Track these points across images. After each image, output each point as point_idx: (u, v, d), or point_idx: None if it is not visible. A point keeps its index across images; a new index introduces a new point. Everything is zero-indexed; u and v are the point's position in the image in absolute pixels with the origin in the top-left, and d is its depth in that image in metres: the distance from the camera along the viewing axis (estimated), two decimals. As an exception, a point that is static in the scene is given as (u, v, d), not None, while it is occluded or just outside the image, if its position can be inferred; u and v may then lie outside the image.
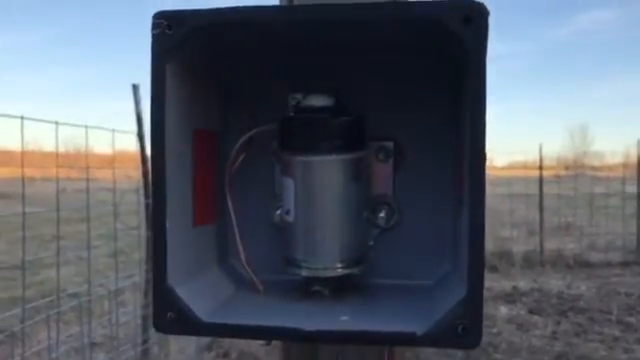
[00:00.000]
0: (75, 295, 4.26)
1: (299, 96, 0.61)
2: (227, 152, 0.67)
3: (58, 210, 3.40)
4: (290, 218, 0.62)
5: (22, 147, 2.62)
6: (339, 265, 0.61)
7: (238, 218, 0.64)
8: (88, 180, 3.94)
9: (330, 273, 0.61)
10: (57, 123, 2.81)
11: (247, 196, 0.69)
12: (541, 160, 8.31)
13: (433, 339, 0.53)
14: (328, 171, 0.61)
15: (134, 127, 3.59)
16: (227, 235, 0.68)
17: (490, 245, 7.75)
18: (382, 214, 0.67)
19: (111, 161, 4.26)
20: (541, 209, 8.15)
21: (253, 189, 0.70)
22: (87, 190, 3.89)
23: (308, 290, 0.64)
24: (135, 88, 3.35)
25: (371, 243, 0.66)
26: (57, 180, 3.90)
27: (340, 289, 0.64)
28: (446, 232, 0.66)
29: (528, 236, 8.16)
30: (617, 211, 8.59)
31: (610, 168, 13.60)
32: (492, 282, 6.63)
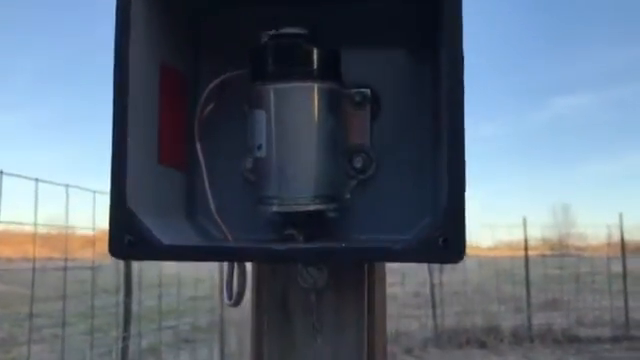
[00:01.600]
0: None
1: (271, 32, 0.59)
2: (198, 99, 0.64)
3: (33, 287, 3.32)
4: (262, 153, 0.59)
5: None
6: (312, 200, 0.57)
7: (209, 170, 0.61)
8: (67, 260, 3.88)
9: (303, 208, 0.57)
10: (37, 180, 2.79)
11: (218, 148, 0.65)
12: (526, 237, 8.32)
13: (412, 253, 0.50)
14: (302, 99, 0.58)
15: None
16: (196, 189, 0.65)
17: (478, 320, 7.62)
18: (359, 164, 0.63)
19: (92, 241, 4.22)
20: (527, 284, 8.08)
21: (224, 141, 0.66)
22: (65, 268, 3.82)
23: (281, 234, 0.60)
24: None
25: (348, 196, 0.63)
26: (34, 259, 3.84)
27: (314, 236, 0.60)
28: (426, 183, 0.63)
29: (516, 312, 8.03)
30: (603, 288, 8.54)
31: (594, 249, 13.63)
32: (480, 358, 6.46)
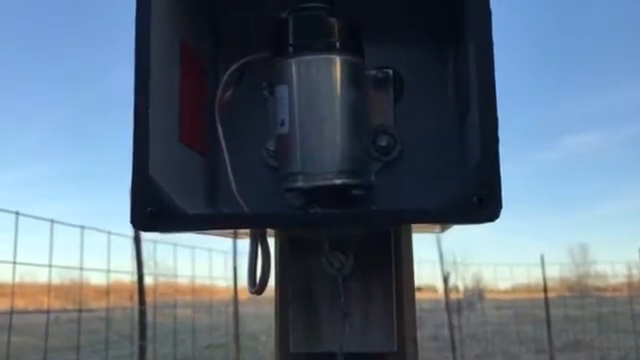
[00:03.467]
0: None
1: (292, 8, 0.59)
2: (218, 84, 0.63)
3: (46, 339, 3.30)
4: (285, 129, 0.57)
5: (15, 244, 2.59)
6: (338, 175, 0.56)
7: (230, 154, 0.61)
8: (81, 309, 3.86)
9: (328, 182, 0.55)
10: (52, 221, 2.80)
11: (238, 134, 0.64)
12: (544, 273, 8.19)
13: (446, 214, 0.48)
14: (324, 71, 0.57)
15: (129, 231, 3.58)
16: (217, 175, 0.63)
17: (499, 362, 7.43)
18: (384, 142, 0.62)
19: (106, 292, 4.21)
20: (549, 322, 7.90)
21: (244, 128, 0.66)
22: (78, 319, 3.80)
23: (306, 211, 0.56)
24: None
25: (372, 178, 0.61)
26: (48, 310, 3.83)
27: None
28: (451, 167, 0.61)
29: (537, 353, 7.83)
30: (627, 327, 8.34)
31: (614, 288, 13.41)
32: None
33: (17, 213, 2.64)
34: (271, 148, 0.64)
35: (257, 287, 0.60)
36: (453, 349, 7.50)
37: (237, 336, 5.51)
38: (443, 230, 0.64)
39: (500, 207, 0.47)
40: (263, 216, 0.53)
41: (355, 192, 0.57)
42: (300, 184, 0.56)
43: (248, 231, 0.59)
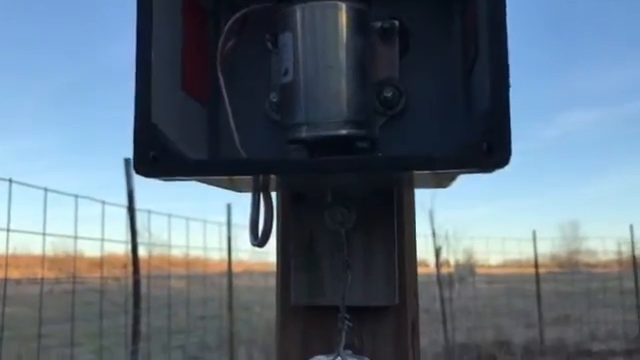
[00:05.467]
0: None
1: None
2: (220, 34, 0.61)
3: (41, 309, 3.31)
4: (289, 78, 0.56)
5: (9, 212, 2.58)
6: (343, 125, 0.55)
7: (232, 106, 0.60)
8: (74, 279, 3.87)
9: (333, 132, 0.55)
10: (46, 189, 2.79)
11: (240, 87, 0.63)
12: (535, 249, 8.26)
13: (454, 161, 0.47)
14: (329, 18, 0.56)
15: (124, 200, 3.58)
16: (219, 127, 0.63)
17: (489, 335, 7.53)
18: (389, 93, 0.60)
19: (100, 264, 4.22)
20: (539, 297, 8.00)
21: (246, 80, 0.64)
22: (73, 290, 3.80)
23: None
24: (127, 162, 3.37)
25: (377, 131, 0.60)
26: (42, 279, 3.84)
27: None
28: (458, 120, 0.60)
29: (527, 327, 7.94)
30: (615, 303, 8.47)
31: (604, 265, 13.56)
32: (493, 373, 6.37)
33: (10, 181, 2.62)
34: (274, 100, 0.62)
35: (259, 239, 0.60)
36: (444, 322, 7.59)
37: (231, 307, 5.55)
38: (448, 183, 0.64)
39: (510, 154, 0.47)
40: (266, 162, 0.52)
41: (360, 144, 0.56)
42: (304, 135, 0.55)
43: (251, 184, 0.59)
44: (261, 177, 0.57)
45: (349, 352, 0.58)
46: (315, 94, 0.55)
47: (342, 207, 0.62)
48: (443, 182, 0.63)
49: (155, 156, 0.50)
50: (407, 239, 0.65)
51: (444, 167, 0.48)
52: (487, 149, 0.46)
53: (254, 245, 0.60)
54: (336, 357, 0.56)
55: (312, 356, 0.60)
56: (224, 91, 0.59)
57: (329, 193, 0.61)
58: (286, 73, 0.57)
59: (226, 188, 0.63)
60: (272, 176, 0.56)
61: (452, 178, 0.59)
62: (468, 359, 7.10)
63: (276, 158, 0.52)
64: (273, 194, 0.63)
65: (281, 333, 0.66)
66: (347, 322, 0.59)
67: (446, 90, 0.61)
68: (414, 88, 0.61)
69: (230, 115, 0.59)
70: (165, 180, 0.53)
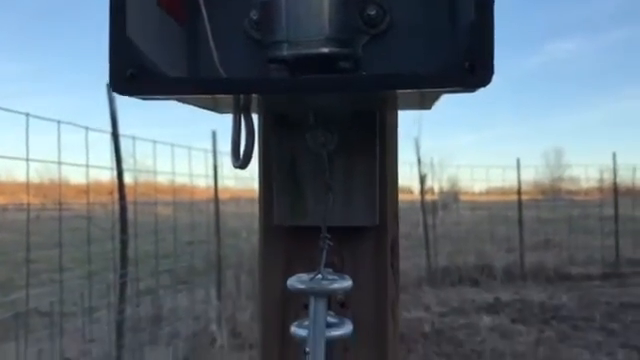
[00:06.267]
0: (48, 314, 4.14)
1: None
2: None
3: (28, 235, 3.32)
4: None
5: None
6: (325, 43, 0.53)
7: (211, 23, 0.57)
8: (61, 208, 3.87)
9: (314, 50, 0.53)
10: (28, 114, 2.74)
11: (220, 3, 0.60)
12: (519, 177, 8.37)
13: (436, 79, 0.47)
14: None
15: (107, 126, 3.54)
16: (197, 46, 0.60)
17: (471, 260, 7.75)
18: (372, 12, 0.58)
19: (86, 190, 4.21)
20: (520, 222, 8.19)
21: None
22: (60, 216, 3.81)
23: None
24: (109, 87, 3.30)
25: (360, 51, 0.58)
26: (28, 205, 3.83)
27: None
28: (441, 42, 0.58)
29: (508, 252, 8.17)
30: (595, 229, 8.69)
31: (586, 192, 13.80)
32: (474, 295, 6.58)
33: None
34: (254, 18, 0.60)
35: (241, 161, 0.60)
36: (427, 247, 7.77)
37: (218, 232, 5.62)
38: (431, 104, 0.63)
39: (492, 73, 0.46)
40: (247, 81, 0.51)
41: (342, 64, 0.55)
42: (285, 53, 0.54)
43: (232, 104, 0.58)
44: (242, 97, 0.56)
45: (330, 270, 0.59)
46: (296, 11, 0.53)
47: (324, 129, 0.61)
48: (426, 103, 0.62)
49: (132, 73, 0.48)
50: (389, 161, 0.65)
51: (427, 86, 0.47)
52: (469, 67, 0.46)
53: (236, 167, 0.60)
54: (316, 275, 0.57)
55: (294, 275, 0.61)
56: (203, 8, 0.57)
57: (311, 115, 0.60)
58: None
59: (206, 108, 0.62)
60: (253, 96, 0.55)
61: (435, 98, 0.58)
62: (450, 281, 7.32)
63: (257, 77, 0.50)
64: (255, 116, 0.62)
65: (264, 254, 0.67)
66: (328, 242, 0.59)
67: (431, 9, 0.59)
68: (398, 6, 0.59)
69: (209, 33, 0.57)
70: (143, 99, 0.51)
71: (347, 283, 0.58)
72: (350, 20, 0.56)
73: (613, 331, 5.03)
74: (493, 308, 5.93)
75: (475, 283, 7.20)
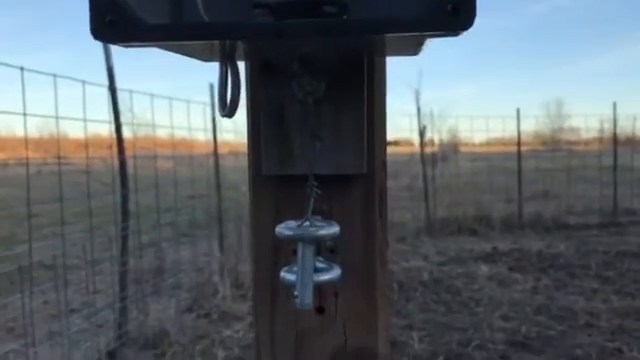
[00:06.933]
0: (51, 267, 4.20)
1: None
2: None
3: (29, 190, 3.33)
4: None
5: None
6: None
7: None
8: (60, 162, 3.87)
9: None
10: (22, 68, 2.72)
11: None
12: (519, 127, 8.35)
13: (420, 23, 0.47)
14: None
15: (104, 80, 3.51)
16: None
17: (470, 210, 7.80)
18: None
19: (85, 144, 4.19)
20: (519, 173, 8.21)
21: None
22: (59, 171, 3.81)
23: None
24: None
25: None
26: (27, 160, 3.83)
27: None
28: None
29: (507, 203, 8.22)
30: (594, 179, 8.72)
31: (586, 143, 13.78)
32: (472, 244, 6.67)
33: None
34: None
35: (227, 109, 0.60)
36: (426, 198, 7.82)
37: (218, 186, 5.65)
38: (418, 49, 0.63)
39: (474, 15, 0.47)
40: (230, 26, 0.51)
41: (327, 8, 0.55)
42: None
43: (216, 51, 0.58)
44: (227, 43, 0.56)
45: (318, 217, 0.60)
46: None
47: (310, 76, 0.61)
48: (412, 48, 0.62)
49: (112, 20, 0.48)
50: (377, 109, 0.65)
51: (411, 30, 0.48)
52: (452, 10, 0.46)
53: (223, 116, 0.60)
54: (304, 221, 0.58)
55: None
56: None
57: (297, 62, 0.60)
58: None
59: (189, 56, 0.62)
60: (239, 43, 0.55)
61: (421, 43, 0.58)
62: (449, 232, 7.40)
63: (240, 22, 0.50)
64: (241, 64, 0.62)
65: (254, 202, 0.68)
66: (315, 190, 0.60)
67: None
68: None
69: None
70: (125, 46, 0.51)
71: (334, 229, 0.59)
72: None
73: (608, 279, 5.11)
74: (491, 257, 6.02)
75: (474, 233, 7.28)
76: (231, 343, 3.75)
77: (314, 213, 0.61)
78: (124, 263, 4.02)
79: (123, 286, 3.94)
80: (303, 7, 0.53)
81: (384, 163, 0.67)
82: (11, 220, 6.37)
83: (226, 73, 0.59)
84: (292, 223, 0.59)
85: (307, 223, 0.58)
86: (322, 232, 0.58)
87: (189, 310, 4.40)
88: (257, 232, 0.67)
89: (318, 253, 0.60)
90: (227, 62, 0.58)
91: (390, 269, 5.73)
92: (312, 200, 0.60)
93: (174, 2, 0.59)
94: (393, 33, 0.49)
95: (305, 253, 0.57)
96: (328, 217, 0.64)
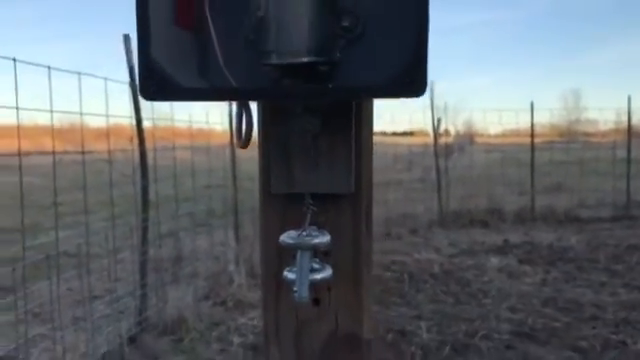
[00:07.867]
0: (75, 255, 4.38)
1: None
2: None
3: (55, 179, 3.50)
4: (261, 12, 0.67)
5: (16, 90, 2.70)
6: (306, 53, 0.66)
7: (216, 31, 0.70)
8: (83, 152, 4.03)
9: (297, 59, 0.66)
10: (49, 67, 2.88)
11: (221, 12, 0.71)
12: (532, 120, 8.39)
13: (384, 90, 0.64)
14: None
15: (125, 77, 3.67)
16: (205, 49, 0.74)
17: (482, 203, 7.88)
18: (347, 22, 0.69)
19: (106, 135, 4.36)
20: (532, 166, 8.26)
21: (226, 5, 0.71)
22: (83, 160, 3.98)
23: (280, 84, 0.69)
24: (126, 38, 3.42)
25: (338, 54, 0.69)
26: (53, 152, 4.00)
27: None
28: (410, 42, 0.67)
29: (519, 195, 8.28)
30: (607, 172, 8.73)
31: (603, 135, 13.69)
32: (483, 237, 6.76)
33: (14, 60, 2.72)
34: (251, 24, 0.73)
35: (243, 141, 0.75)
36: (439, 190, 7.92)
37: (234, 177, 5.80)
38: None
39: (425, 85, 0.62)
40: (245, 91, 0.66)
41: (321, 68, 0.69)
42: (274, 61, 0.67)
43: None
44: None
45: (315, 228, 0.75)
46: (282, 27, 0.67)
47: (310, 115, 0.76)
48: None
49: (155, 89, 0.64)
50: (364, 141, 0.79)
51: (378, 96, 0.63)
52: (409, 81, 0.61)
53: (239, 147, 0.75)
54: (302, 232, 0.74)
55: (286, 232, 0.77)
56: (209, 17, 0.70)
57: (299, 106, 0.75)
58: (259, 8, 0.68)
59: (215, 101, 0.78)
60: None
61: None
62: (461, 224, 7.50)
63: (252, 87, 0.65)
64: (254, 105, 0.77)
65: (263, 215, 0.82)
66: (312, 207, 0.76)
67: (400, 15, 0.70)
68: (371, 13, 0.71)
69: (215, 41, 0.70)
70: (169, 101, 0.67)
71: (326, 238, 0.75)
72: (328, 31, 0.69)
73: (617, 272, 5.18)
74: (502, 250, 6.11)
75: (485, 225, 7.37)
76: (246, 330, 3.92)
77: (312, 224, 0.76)
78: (144, 252, 4.19)
79: (143, 274, 4.10)
80: (302, 66, 0.67)
81: (370, 184, 0.81)
82: (34, 209, 6.57)
83: (242, 115, 0.73)
84: (293, 233, 0.74)
85: (304, 233, 0.73)
86: (316, 241, 0.73)
87: (206, 298, 4.57)
88: (265, 239, 0.82)
89: (315, 255, 0.75)
90: (243, 107, 0.73)
91: (401, 260, 5.80)
92: (309, 215, 0.75)
93: (201, 58, 0.72)
94: (364, 98, 0.64)
95: (303, 257, 0.72)
96: (323, 227, 0.78)
